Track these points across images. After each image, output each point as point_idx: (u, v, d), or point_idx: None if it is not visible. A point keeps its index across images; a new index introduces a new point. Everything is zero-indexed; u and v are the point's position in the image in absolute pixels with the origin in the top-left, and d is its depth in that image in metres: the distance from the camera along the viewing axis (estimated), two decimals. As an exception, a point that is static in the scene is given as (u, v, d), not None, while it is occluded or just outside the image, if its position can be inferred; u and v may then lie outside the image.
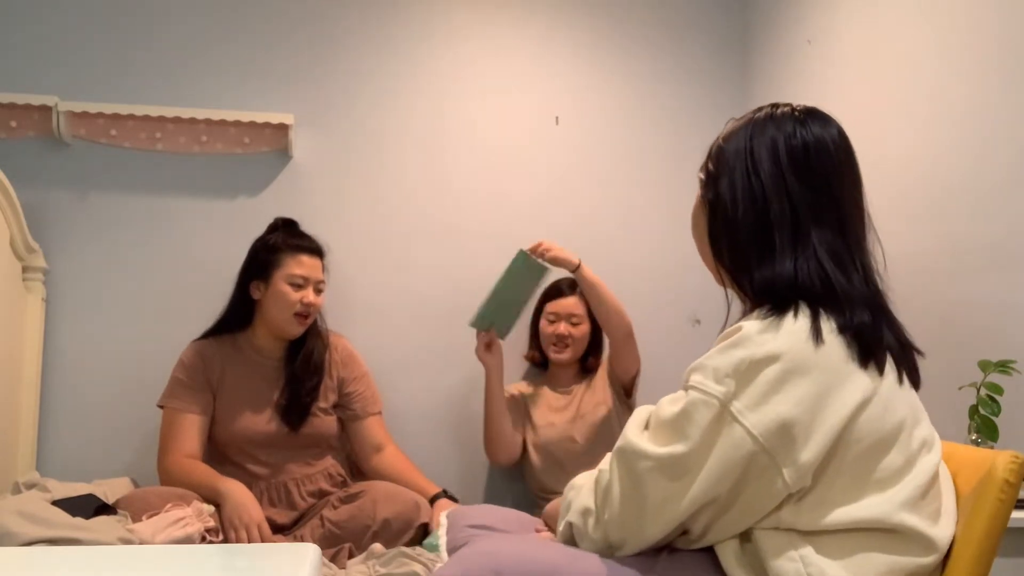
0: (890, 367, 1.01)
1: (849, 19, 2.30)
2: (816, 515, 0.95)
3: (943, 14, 1.92)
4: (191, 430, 2.09)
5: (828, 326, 0.98)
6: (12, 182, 2.24)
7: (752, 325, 0.98)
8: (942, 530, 1.00)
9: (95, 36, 2.54)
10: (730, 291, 1.13)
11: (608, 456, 1.08)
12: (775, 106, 1.12)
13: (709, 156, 1.13)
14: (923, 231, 1.96)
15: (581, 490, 1.07)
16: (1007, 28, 1.73)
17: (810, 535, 0.96)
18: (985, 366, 1.60)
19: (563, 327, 2.39)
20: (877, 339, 1.01)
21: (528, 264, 2.26)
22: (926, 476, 0.99)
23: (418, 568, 1.70)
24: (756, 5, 2.82)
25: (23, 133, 2.45)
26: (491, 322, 2.32)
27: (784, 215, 1.04)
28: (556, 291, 2.45)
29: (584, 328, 2.41)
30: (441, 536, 1.22)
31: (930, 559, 0.98)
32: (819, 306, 1.00)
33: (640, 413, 1.06)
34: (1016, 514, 1.39)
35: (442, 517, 1.31)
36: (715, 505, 0.96)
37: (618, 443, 1.02)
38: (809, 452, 0.93)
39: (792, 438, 0.93)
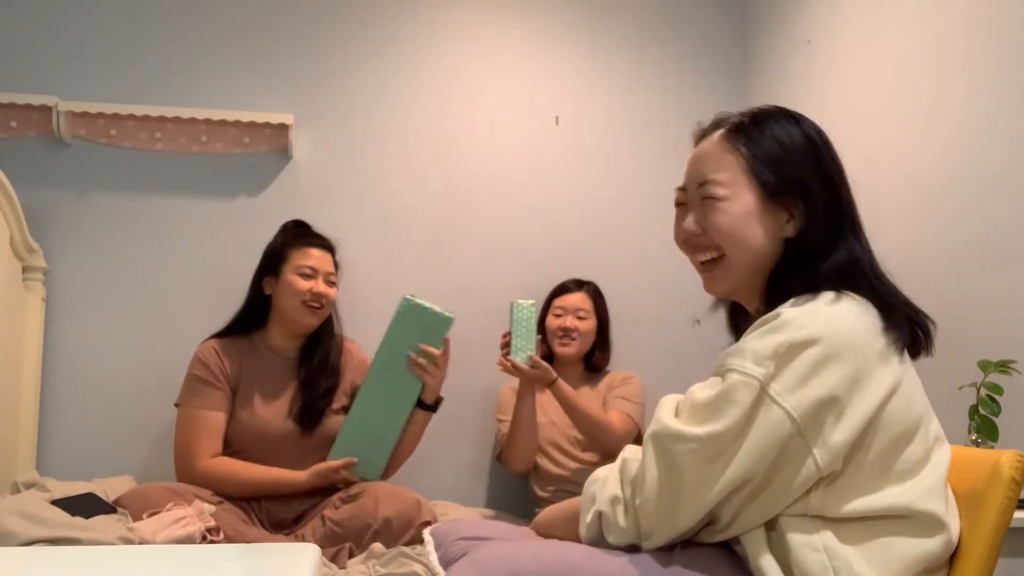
0: (908, 358, 1.04)
1: (849, 19, 2.30)
2: (843, 502, 0.96)
3: (942, 14, 1.92)
4: (216, 429, 2.08)
5: (863, 310, 1.01)
6: (12, 182, 2.24)
7: (790, 311, 0.99)
8: (955, 521, 1.01)
9: (95, 36, 2.54)
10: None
11: (630, 447, 1.08)
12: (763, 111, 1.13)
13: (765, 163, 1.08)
14: (922, 230, 1.96)
15: (607, 481, 1.06)
16: (1006, 28, 1.73)
17: (834, 522, 0.97)
18: (985, 366, 1.60)
19: (569, 320, 2.40)
20: (901, 326, 1.03)
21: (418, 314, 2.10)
22: (943, 468, 1.01)
23: (418, 568, 1.70)
24: (756, 5, 2.82)
25: (23, 133, 2.45)
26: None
27: (848, 205, 1.09)
28: (563, 288, 2.47)
29: (590, 323, 2.42)
30: (431, 553, 1.19)
31: (945, 547, 0.99)
32: (851, 291, 1.02)
33: (668, 401, 1.06)
34: (1017, 514, 1.40)
35: (426, 533, 1.27)
36: (748, 489, 0.96)
37: (651, 428, 1.01)
38: (840, 434, 0.95)
39: (824, 420, 0.95)
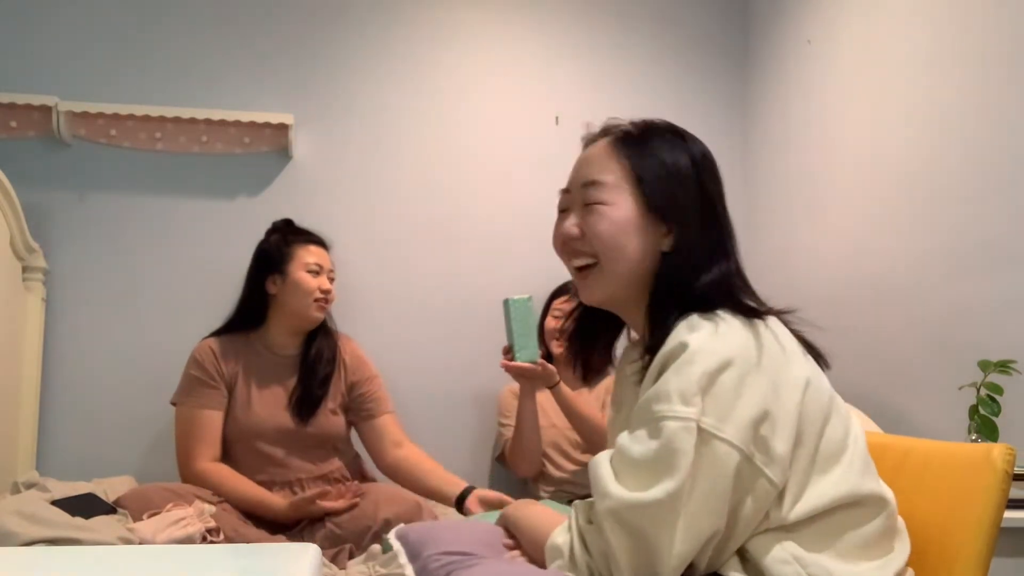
0: (801, 347, 1.06)
1: (849, 19, 2.30)
2: (797, 506, 0.96)
3: (942, 14, 1.92)
4: (213, 429, 2.10)
5: (756, 321, 1.02)
6: (12, 182, 2.24)
7: (694, 338, 0.97)
8: (887, 487, 1.04)
9: (95, 36, 2.54)
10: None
11: (580, 507, 1.02)
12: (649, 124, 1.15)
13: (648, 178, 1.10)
14: (923, 231, 1.96)
15: (576, 559, 0.99)
16: (1005, 28, 1.73)
17: (793, 529, 0.97)
18: (985, 366, 1.60)
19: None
20: (785, 322, 1.06)
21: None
22: (862, 441, 1.04)
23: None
24: (756, 5, 2.82)
25: (23, 133, 2.45)
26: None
27: (722, 228, 1.10)
28: (563, 289, 2.47)
29: None
30: (405, 564, 1.13)
31: (887, 518, 1.01)
32: (736, 304, 1.03)
33: (603, 465, 0.99)
34: (1017, 514, 1.40)
35: (392, 539, 1.20)
36: (720, 532, 0.95)
37: (604, 504, 0.95)
38: (781, 443, 0.95)
39: (763, 436, 0.94)
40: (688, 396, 0.93)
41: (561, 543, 1.01)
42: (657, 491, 0.91)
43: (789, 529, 0.97)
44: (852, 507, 0.98)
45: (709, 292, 1.03)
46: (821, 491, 0.97)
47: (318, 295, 2.18)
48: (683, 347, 0.96)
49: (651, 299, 1.07)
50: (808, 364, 1.03)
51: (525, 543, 1.12)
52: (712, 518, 0.93)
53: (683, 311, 1.02)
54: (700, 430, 0.92)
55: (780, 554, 0.95)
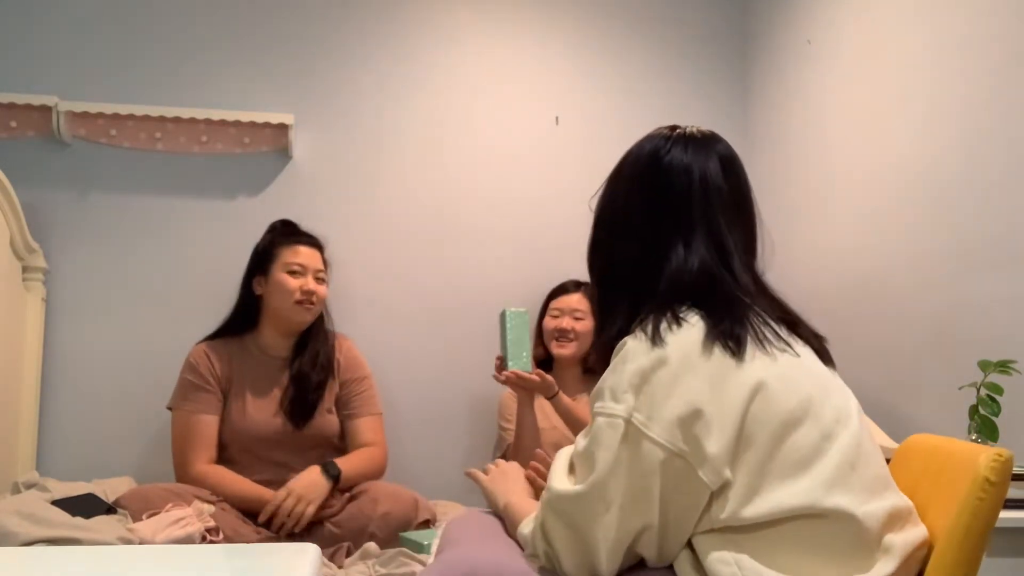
0: (782, 346, 1.02)
1: (849, 19, 2.30)
2: (746, 507, 0.93)
3: (942, 14, 1.92)
4: (209, 433, 2.10)
5: (705, 324, 1.00)
6: (12, 182, 2.24)
7: (633, 338, 1.01)
8: (880, 502, 0.97)
9: (95, 36, 2.54)
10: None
11: (540, 503, 1.06)
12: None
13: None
14: (923, 231, 1.96)
15: (537, 549, 1.05)
16: (1005, 27, 1.73)
17: (743, 533, 0.94)
18: (985, 366, 1.60)
19: (566, 321, 2.40)
20: (746, 326, 1.02)
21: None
22: (847, 453, 0.97)
23: (417, 568, 1.70)
24: (756, 5, 2.82)
25: (23, 133, 2.45)
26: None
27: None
28: (561, 289, 2.47)
29: (587, 324, 2.41)
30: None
31: (855, 536, 0.94)
32: (690, 307, 1.03)
33: (562, 457, 1.07)
34: (1015, 514, 1.39)
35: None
36: (656, 526, 0.96)
37: (545, 497, 1.03)
38: (715, 443, 0.93)
39: (696, 434, 0.94)
40: (618, 393, 0.97)
41: (527, 533, 1.07)
42: (583, 485, 0.97)
43: (737, 531, 0.94)
44: (811, 519, 0.93)
45: (667, 292, 1.06)
46: (777, 499, 0.93)
47: (299, 296, 2.16)
48: (622, 346, 1.01)
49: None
50: (772, 367, 0.99)
51: (511, 528, 1.17)
52: (640, 512, 0.95)
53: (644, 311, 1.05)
54: (629, 425, 0.96)
55: (723, 555, 0.93)
